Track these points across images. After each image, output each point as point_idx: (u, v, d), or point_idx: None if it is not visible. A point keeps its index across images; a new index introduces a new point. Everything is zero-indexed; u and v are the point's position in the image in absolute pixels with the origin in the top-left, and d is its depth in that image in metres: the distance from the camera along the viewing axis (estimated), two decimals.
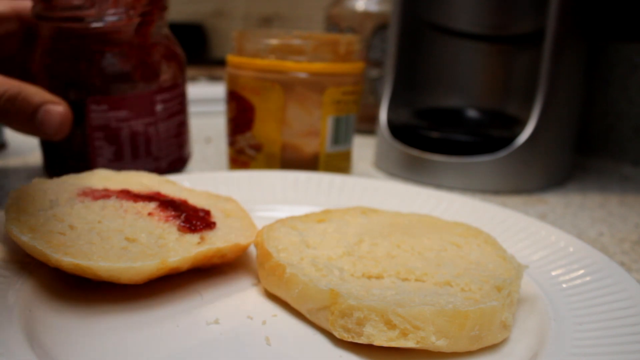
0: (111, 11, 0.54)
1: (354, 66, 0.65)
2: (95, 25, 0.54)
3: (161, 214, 0.40)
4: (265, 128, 0.64)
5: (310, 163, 0.65)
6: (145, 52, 0.56)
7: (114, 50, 0.55)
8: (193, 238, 0.38)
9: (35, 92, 0.53)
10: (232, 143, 0.68)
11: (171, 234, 0.38)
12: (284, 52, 0.62)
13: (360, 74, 0.67)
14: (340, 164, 0.67)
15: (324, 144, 0.65)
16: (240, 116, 0.65)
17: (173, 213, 0.40)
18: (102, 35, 0.54)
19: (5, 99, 0.52)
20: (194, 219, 0.40)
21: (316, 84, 0.62)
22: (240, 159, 0.67)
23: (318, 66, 0.62)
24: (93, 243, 0.36)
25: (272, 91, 0.62)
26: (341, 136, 0.66)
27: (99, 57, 0.55)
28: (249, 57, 0.63)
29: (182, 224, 0.39)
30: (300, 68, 0.62)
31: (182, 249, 0.37)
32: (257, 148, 0.65)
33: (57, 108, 0.53)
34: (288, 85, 0.62)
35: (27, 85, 0.53)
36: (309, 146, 0.65)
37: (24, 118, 0.53)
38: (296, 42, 0.62)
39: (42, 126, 0.53)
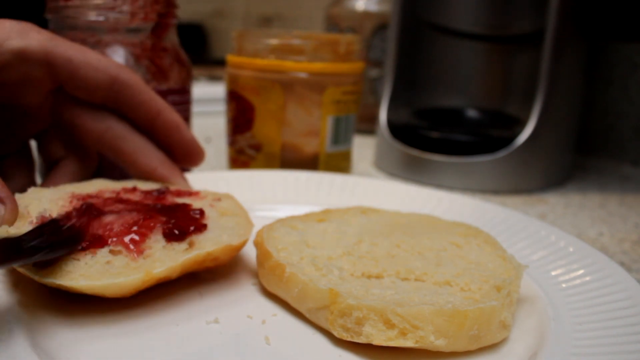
0: (130, 8, 0.54)
1: (354, 66, 0.65)
2: (116, 20, 0.54)
3: (148, 221, 0.38)
4: (265, 128, 0.64)
5: (310, 163, 0.65)
6: (157, 54, 0.57)
7: (129, 47, 0.55)
8: (181, 244, 0.37)
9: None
10: (232, 143, 0.68)
11: (158, 242, 0.37)
12: (284, 52, 0.62)
13: (360, 74, 0.67)
14: (340, 163, 0.67)
15: (324, 143, 0.65)
16: (240, 116, 0.65)
17: (162, 219, 0.38)
18: (118, 32, 0.54)
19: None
20: (184, 222, 0.38)
21: (316, 84, 0.62)
22: (240, 158, 0.67)
23: (318, 66, 0.62)
24: (76, 259, 0.34)
25: (272, 91, 0.62)
26: (341, 136, 0.66)
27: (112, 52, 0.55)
28: (249, 57, 0.63)
29: (169, 231, 0.37)
30: (300, 68, 0.62)
31: (169, 258, 0.35)
32: (257, 148, 0.65)
33: None
34: (288, 85, 0.62)
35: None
36: (309, 146, 0.65)
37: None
38: (296, 42, 0.62)
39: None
